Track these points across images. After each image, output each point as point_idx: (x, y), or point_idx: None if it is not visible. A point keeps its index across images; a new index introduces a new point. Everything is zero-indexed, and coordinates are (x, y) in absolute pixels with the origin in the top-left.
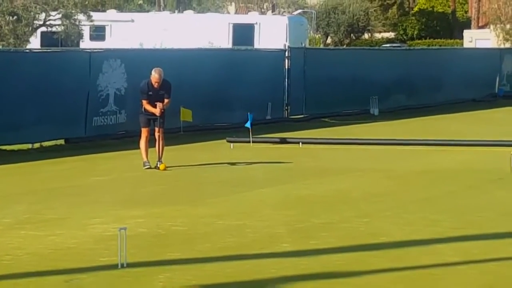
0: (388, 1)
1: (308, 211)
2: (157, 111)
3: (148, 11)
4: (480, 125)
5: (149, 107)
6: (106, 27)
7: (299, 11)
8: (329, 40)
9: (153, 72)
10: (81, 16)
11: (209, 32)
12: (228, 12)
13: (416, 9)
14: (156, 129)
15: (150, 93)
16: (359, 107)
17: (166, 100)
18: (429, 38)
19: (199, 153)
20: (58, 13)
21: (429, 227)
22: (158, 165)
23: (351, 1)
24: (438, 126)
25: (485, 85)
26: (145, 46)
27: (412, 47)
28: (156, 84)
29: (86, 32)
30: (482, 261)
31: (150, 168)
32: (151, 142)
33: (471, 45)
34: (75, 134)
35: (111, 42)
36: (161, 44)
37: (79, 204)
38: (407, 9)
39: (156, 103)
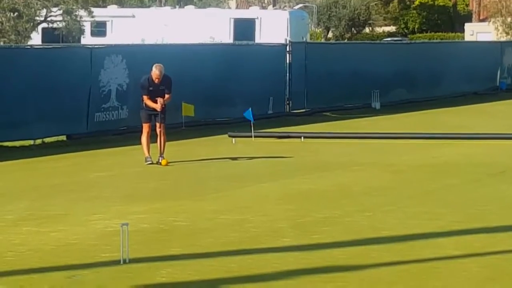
0: None
1: (310, 205)
2: (158, 106)
3: (149, 7)
4: (482, 118)
5: (150, 103)
6: (107, 22)
7: (300, 5)
8: (330, 35)
9: (153, 68)
10: (82, 12)
11: (210, 27)
12: (229, 7)
13: (417, 2)
14: (158, 124)
15: (151, 88)
16: (361, 101)
17: (167, 96)
18: (430, 32)
19: (200, 148)
20: (59, 9)
21: (430, 221)
22: (160, 161)
23: None
24: (439, 120)
25: (486, 78)
26: (147, 42)
27: (413, 41)
28: (157, 80)
29: (87, 28)
30: (483, 254)
31: (151, 163)
32: (152, 138)
33: (472, 39)
34: (77, 130)
35: (112, 37)
36: (162, 40)
37: (81, 200)
38: (408, 2)
39: (157, 98)
